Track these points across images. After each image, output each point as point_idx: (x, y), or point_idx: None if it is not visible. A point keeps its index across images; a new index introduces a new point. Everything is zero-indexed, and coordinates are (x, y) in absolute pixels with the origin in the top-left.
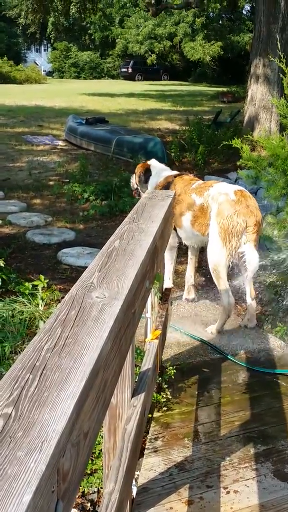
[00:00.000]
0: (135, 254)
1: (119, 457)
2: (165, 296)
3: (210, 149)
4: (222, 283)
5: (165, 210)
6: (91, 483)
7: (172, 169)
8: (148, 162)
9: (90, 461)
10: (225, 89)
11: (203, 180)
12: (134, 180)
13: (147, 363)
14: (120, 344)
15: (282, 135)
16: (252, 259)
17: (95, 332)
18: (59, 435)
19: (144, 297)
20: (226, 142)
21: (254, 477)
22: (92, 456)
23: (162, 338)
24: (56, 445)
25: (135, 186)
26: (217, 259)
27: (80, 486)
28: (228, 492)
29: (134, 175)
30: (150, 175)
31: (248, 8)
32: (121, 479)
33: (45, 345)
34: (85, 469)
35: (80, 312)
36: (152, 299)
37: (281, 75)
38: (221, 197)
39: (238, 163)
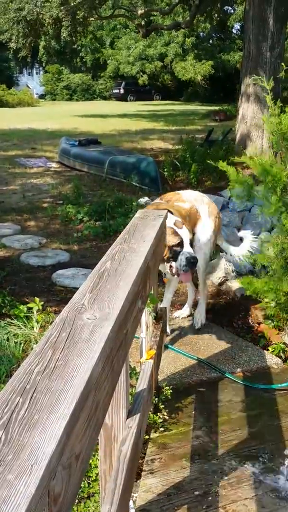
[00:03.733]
0: (127, 274)
1: (115, 479)
2: (160, 316)
3: (203, 168)
4: (205, 274)
5: (156, 230)
6: (88, 507)
7: (166, 189)
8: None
9: (87, 484)
10: (217, 108)
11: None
12: None
13: (142, 384)
14: (112, 365)
15: (275, 153)
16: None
17: (86, 354)
18: (49, 458)
19: (137, 317)
20: (211, 162)
21: (252, 496)
22: (89, 479)
23: (157, 358)
24: (46, 468)
25: None
26: (208, 254)
27: (77, 510)
28: None
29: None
30: None
31: (238, 27)
32: (117, 501)
33: (36, 368)
34: (77, 492)
35: (71, 334)
36: (147, 319)
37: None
38: (205, 199)
39: (228, 188)
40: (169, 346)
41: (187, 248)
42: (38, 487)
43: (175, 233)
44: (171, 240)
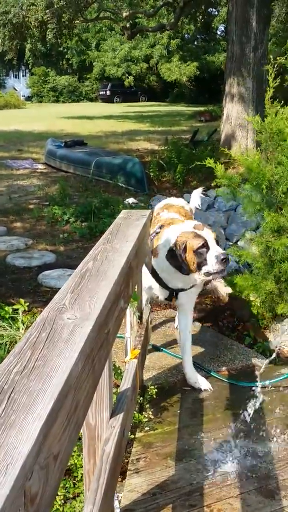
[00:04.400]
0: (109, 274)
1: (97, 479)
2: (144, 316)
3: (189, 168)
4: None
5: (139, 230)
6: (74, 507)
7: (152, 189)
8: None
9: (72, 485)
10: (202, 109)
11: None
12: None
13: (126, 383)
14: (93, 364)
15: (261, 151)
16: None
17: (65, 354)
18: (24, 457)
19: (119, 316)
20: (199, 162)
21: (237, 495)
22: (75, 480)
23: (142, 357)
24: (22, 468)
25: None
26: None
27: (63, 510)
28: (211, 511)
29: None
30: None
31: (222, 28)
32: (99, 500)
33: (14, 368)
34: (56, 492)
35: (51, 334)
36: (131, 319)
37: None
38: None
39: (213, 183)
40: (153, 345)
41: (214, 247)
42: (12, 488)
43: (197, 235)
44: (194, 243)
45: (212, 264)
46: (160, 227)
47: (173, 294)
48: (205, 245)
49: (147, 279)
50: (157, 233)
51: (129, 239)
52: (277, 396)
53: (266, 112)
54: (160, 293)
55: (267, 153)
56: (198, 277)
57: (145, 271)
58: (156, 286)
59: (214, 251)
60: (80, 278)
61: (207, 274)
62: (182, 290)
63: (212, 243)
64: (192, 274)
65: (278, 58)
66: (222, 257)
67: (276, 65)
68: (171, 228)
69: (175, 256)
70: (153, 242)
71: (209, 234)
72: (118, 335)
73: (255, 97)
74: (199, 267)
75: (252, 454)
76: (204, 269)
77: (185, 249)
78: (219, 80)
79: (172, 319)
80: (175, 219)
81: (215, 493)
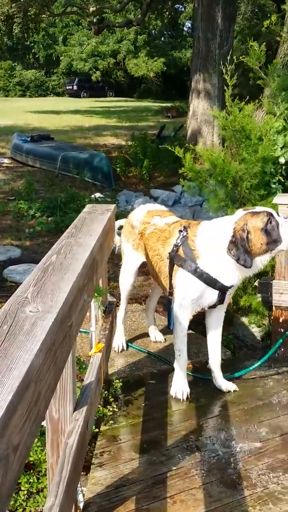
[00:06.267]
0: (72, 268)
1: (60, 472)
2: (109, 310)
3: (155, 163)
4: None
5: (104, 224)
6: (37, 502)
7: (118, 184)
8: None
9: (36, 479)
10: (169, 104)
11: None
12: None
13: (90, 376)
14: (55, 357)
15: (226, 147)
16: None
17: (26, 346)
18: None
19: (83, 310)
20: (168, 148)
21: (200, 486)
22: (39, 474)
23: (106, 351)
24: None
25: None
26: None
27: (27, 505)
28: (174, 502)
29: None
30: None
31: (189, 25)
32: (61, 493)
33: None
34: (15, 484)
35: (12, 326)
36: (96, 313)
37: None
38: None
39: (180, 171)
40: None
41: (280, 219)
42: None
43: (256, 213)
44: (257, 221)
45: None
46: (181, 231)
47: (224, 293)
48: (270, 220)
49: (194, 289)
50: (184, 237)
51: (94, 233)
52: (241, 388)
53: (227, 109)
54: (211, 297)
55: (231, 149)
56: (264, 260)
57: (187, 281)
58: (205, 291)
59: (285, 221)
60: (43, 271)
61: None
62: (231, 287)
63: (275, 215)
64: (255, 260)
65: (242, 56)
66: None
67: (233, 63)
68: (204, 225)
69: (238, 246)
70: (188, 247)
71: (267, 209)
72: (84, 330)
73: (220, 93)
74: (269, 247)
75: (216, 445)
76: (282, 245)
77: (248, 233)
78: (186, 76)
79: (138, 314)
80: (188, 220)
81: (178, 484)
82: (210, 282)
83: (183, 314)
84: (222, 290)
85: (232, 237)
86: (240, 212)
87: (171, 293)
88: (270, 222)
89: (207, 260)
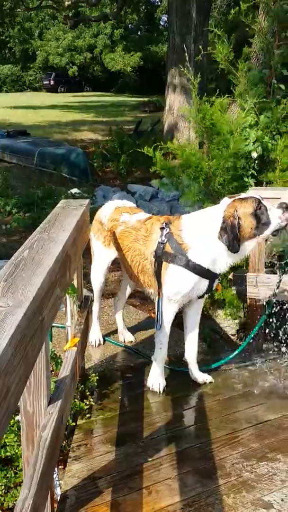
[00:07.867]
0: (44, 263)
1: (34, 464)
2: (84, 305)
3: (132, 159)
4: None
5: (77, 219)
6: (15, 496)
7: (95, 180)
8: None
9: (13, 474)
10: (146, 99)
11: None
12: None
13: (65, 371)
14: (25, 351)
15: (203, 143)
16: None
17: None
18: None
19: (55, 304)
20: (140, 150)
21: (175, 476)
22: (16, 469)
23: (82, 345)
24: None
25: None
26: None
27: (4, 500)
28: (150, 493)
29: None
30: None
31: (165, 19)
32: (35, 485)
33: None
34: None
35: None
36: (71, 308)
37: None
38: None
39: (151, 170)
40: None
41: (267, 203)
42: None
43: (243, 199)
44: (246, 207)
45: (278, 216)
46: (163, 228)
47: (213, 282)
48: (259, 206)
49: (187, 282)
50: (168, 233)
51: (66, 228)
52: (217, 380)
53: (199, 107)
54: (202, 287)
55: (203, 145)
56: (251, 245)
57: (180, 276)
58: (198, 282)
59: (271, 205)
60: (15, 267)
61: (276, 232)
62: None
63: (263, 201)
64: (244, 245)
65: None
66: (285, 205)
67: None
68: (187, 219)
69: (228, 232)
70: (175, 242)
71: (254, 193)
72: (59, 325)
73: (197, 89)
74: (260, 229)
75: (191, 436)
76: (270, 228)
77: (239, 218)
78: (163, 71)
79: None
80: (160, 216)
81: (154, 475)
82: (202, 272)
83: (171, 308)
84: (213, 278)
85: (223, 223)
86: (226, 200)
87: (159, 292)
88: (259, 207)
89: (197, 251)
